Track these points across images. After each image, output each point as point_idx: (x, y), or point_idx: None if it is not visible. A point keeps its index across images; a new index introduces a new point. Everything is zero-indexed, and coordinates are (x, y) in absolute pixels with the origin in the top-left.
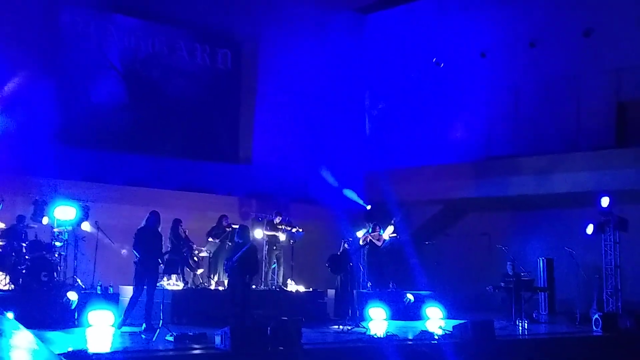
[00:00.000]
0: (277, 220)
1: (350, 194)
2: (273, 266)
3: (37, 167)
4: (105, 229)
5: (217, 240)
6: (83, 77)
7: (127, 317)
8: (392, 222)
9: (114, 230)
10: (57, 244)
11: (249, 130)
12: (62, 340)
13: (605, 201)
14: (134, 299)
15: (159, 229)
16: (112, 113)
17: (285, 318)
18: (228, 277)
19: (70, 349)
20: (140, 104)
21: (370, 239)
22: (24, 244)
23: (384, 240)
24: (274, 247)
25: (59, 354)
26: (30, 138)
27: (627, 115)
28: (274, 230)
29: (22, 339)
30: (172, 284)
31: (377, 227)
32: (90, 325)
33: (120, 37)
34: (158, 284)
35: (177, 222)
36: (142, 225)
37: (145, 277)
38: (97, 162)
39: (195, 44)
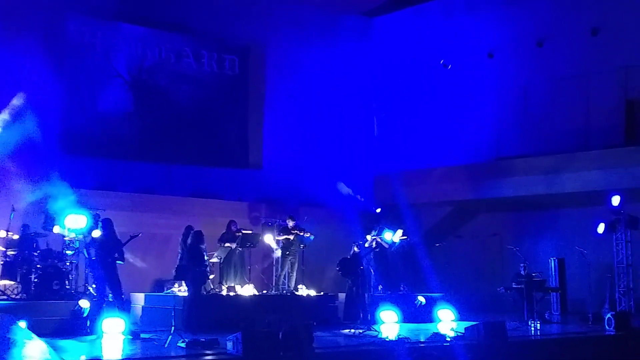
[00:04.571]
0: (291, 224)
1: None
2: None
3: (47, 176)
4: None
5: (233, 245)
6: (90, 86)
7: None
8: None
9: (124, 237)
10: (69, 252)
11: (258, 136)
12: (75, 349)
13: (615, 200)
14: (100, 305)
15: (117, 235)
16: (121, 121)
17: (297, 322)
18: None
19: (83, 357)
20: (148, 112)
21: (379, 240)
22: (35, 253)
23: (395, 242)
24: (287, 253)
25: None
26: (40, 147)
27: (636, 113)
28: (287, 235)
29: (35, 349)
30: (183, 290)
31: (381, 231)
32: (103, 333)
33: (126, 45)
34: (168, 290)
35: (189, 230)
36: (99, 235)
37: (106, 283)
38: (106, 170)
39: (202, 50)
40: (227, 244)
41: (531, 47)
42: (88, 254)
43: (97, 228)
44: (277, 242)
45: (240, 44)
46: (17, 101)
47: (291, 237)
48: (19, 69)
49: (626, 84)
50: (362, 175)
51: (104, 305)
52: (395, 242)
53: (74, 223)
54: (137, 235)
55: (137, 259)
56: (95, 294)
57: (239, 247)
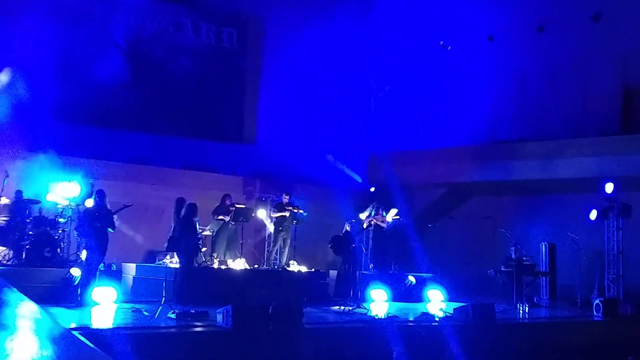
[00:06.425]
0: (286, 200)
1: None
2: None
3: (41, 144)
4: (109, 206)
5: (227, 218)
6: (88, 55)
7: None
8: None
9: (117, 207)
10: (61, 220)
11: (253, 110)
12: (65, 316)
13: (609, 187)
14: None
15: (108, 206)
16: (117, 91)
17: (287, 298)
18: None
19: (73, 325)
20: (145, 83)
21: (374, 222)
22: (27, 220)
23: (388, 222)
24: (280, 228)
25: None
26: (35, 115)
27: (634, 102)
28: (282, 211)
29: (26, 309)
30: (175, 261)
31: (380, 210)
32: (93, 302)
33: (125, 15)
34: (160, 262)
35: (180, 202)
36: (92, 205)
37: (97, 253)
38: (101, 139)
39: (200, 22)
40: (220, 217)
41: (531, 31)
42: (79, 221)
43: (90, 197)
44: (271, 218)
45: (239, 17)
46: (11, 68)
47: (287, 214)
48: (15, 36)
49: (624, 72)
50: (357, 154)
51: (96, 273)
52: (388, 222)
53: (67, 191)
54: (129, 205)
55: (129, 229)
56: (85, 262)
57: (232, 221)
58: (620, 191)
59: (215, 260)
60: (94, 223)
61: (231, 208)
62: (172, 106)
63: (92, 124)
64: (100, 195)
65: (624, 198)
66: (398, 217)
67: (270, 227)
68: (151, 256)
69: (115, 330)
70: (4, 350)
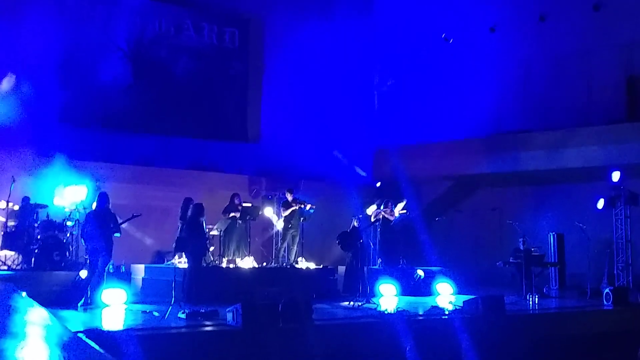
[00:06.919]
0: (290, 197)
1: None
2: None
3: (48, 148)
4: (116, 209)
5: (237, 214)
6: (90, 58)
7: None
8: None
9: (125, 209)
10: (69, 223)
11: (257, 109)
12: (75, 319)
13: (616, 175)
14: (96, 276)
15: (110, 208)
16: (121, 94)
17: (297, 295)
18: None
19: (82, 328)
20: (147, 84)
21: (383, 215)
22: (36, 224)
23: (395, 216)
24: (289, 225)
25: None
26: (40, 119)
27: (638, 90)
28: (290, 207)
29: (37, 316)
30: (184, 262)
31: (390, 203)
32: (103, 304)
33: (126, 18)
34: (169, 262)
35: (188, 202)
36: (94, 208)
37: (99, 257)
38: (107, 142)
39: (202, 23)
40: (231, 214)
41: (533, 22)
42: (85, 225)
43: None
44: (280, 217)
45: (241, 17)
46: (15, 74)
47: (296, 207)
48: (19, 40)
49: (628, 60)
50: (363, 149)
51: (103, 276)
52: (396, 216)
53: (74, 195)
54: (138, 215)
55: (137, 230)
56: (90, 265)
57: (239, 219)
58: (626, 179)
59: (223, 260)
60: (98, 226)
61: (239, 207)
62: (176, 107)
63: (97, 127)
64: (102, 198)
65: (630, 186)
66: (405, 211)
67: (278, 225)
68: (160, 257)
69: (126, 331)
70: (14, 359)
